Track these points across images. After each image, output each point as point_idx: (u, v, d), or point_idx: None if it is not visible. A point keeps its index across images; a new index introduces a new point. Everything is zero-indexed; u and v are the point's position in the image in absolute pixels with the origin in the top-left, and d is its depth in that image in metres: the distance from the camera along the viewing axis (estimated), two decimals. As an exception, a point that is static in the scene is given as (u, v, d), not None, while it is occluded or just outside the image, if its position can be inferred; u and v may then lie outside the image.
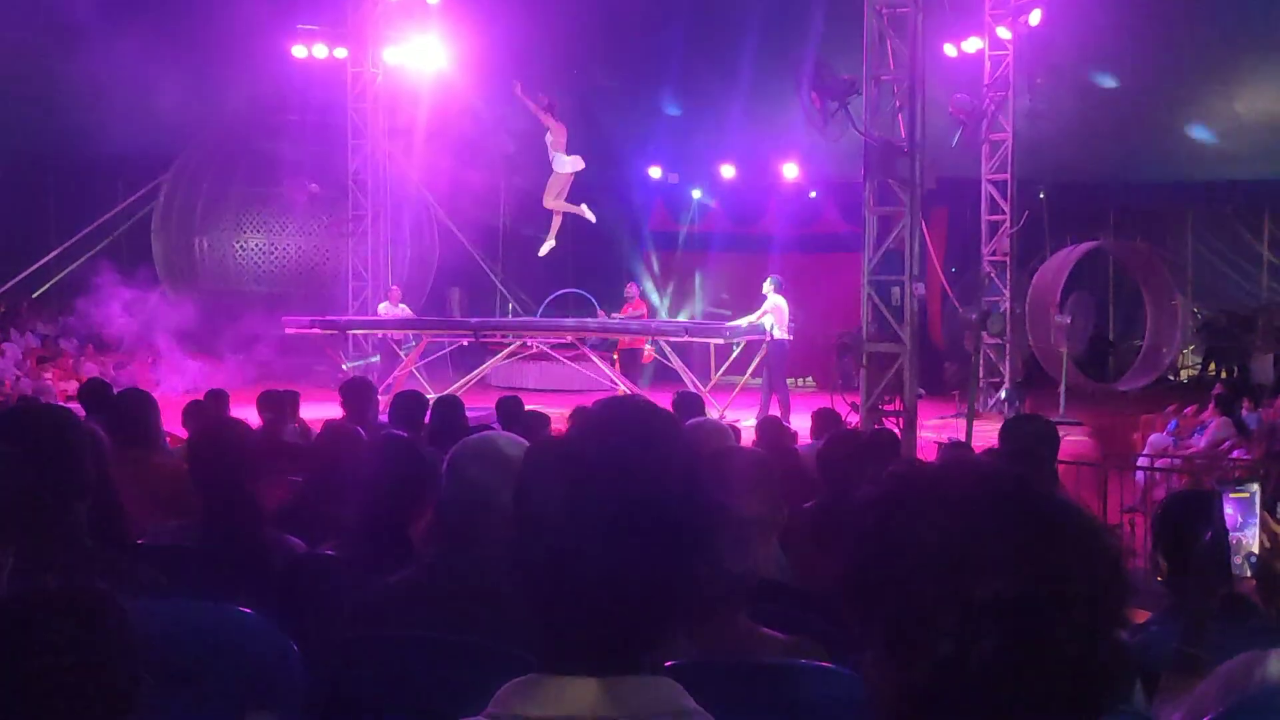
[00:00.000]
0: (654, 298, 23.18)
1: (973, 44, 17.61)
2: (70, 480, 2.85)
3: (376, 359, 18.92)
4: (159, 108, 21.70)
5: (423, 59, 20.04)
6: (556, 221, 17.44)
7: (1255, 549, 2.45)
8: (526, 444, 2.63)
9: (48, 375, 17.79)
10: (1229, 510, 2.46)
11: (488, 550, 2.76)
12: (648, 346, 17.59)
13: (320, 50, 20.42)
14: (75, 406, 7.15)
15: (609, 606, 1.54)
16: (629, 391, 15.42)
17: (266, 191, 23.01)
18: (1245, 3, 19.39)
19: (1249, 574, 2.46)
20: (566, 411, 9.50)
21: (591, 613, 1.54)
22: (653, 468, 1.57)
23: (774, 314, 15.31)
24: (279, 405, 8.36)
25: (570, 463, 1.58)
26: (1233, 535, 2.46)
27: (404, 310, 18.66)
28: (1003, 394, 17.19)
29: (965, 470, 1.33)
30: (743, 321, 15.96)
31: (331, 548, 3.75)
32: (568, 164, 16.69)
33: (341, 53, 20.30)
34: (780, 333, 15.31)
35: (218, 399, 8.62)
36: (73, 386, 16.52)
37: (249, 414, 8.54)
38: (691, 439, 4.03)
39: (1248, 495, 2.47)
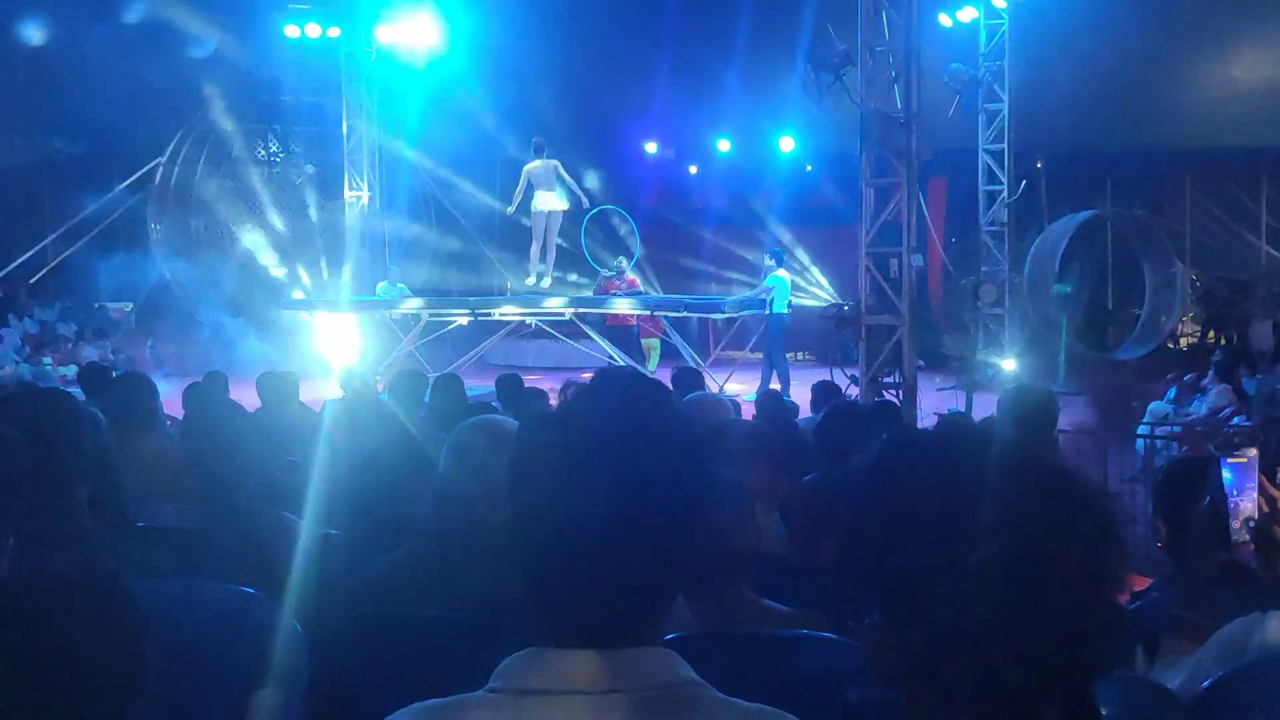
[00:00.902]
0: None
1: (968, 13, 17.55)
2: (71, 463, 2.85)
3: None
4: (152, 89, 21.63)
5: (416, 37, 19.95)
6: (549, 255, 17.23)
7: (1254, 514, 2.45)
8: None
9: (46, 360, 17.77)
10: (1227, 475, 2.46)
11: (486, 527, 2.77)
12: (650, 340, 17.53)
13: (313, 29, 20.35)
14: (74, 391, 7.15)
15: (608, 579, 1.54)
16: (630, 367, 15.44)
17: (262, 171, 22.99)
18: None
19: (1247, 539, 2.46)
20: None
21: (590, 585, 1.54)
22: (648, 439, 1.57)
23: (776, 288, 15.30)
24: (279, 387, 8.35)
25: (565, 435, 1.58)
26: (1231, 500, 2.47)
27: (402, 290, 18.65)
28: (1004, 364, 17.20)
29: (960, 435, 1.33)
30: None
31: (333, 527, 3.76)
32: (548, 201, 16.56)
33: (335, 31, 20.21)
34: (780, 307, 15.30)
35: (216, 381, 8.60)
36: (72, 371, 16.54)
37: (249, 396, 8.56)
38: (691, 412, 4.05)
39: (1245, 460, 2.47)
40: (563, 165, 16.62)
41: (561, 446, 1.57)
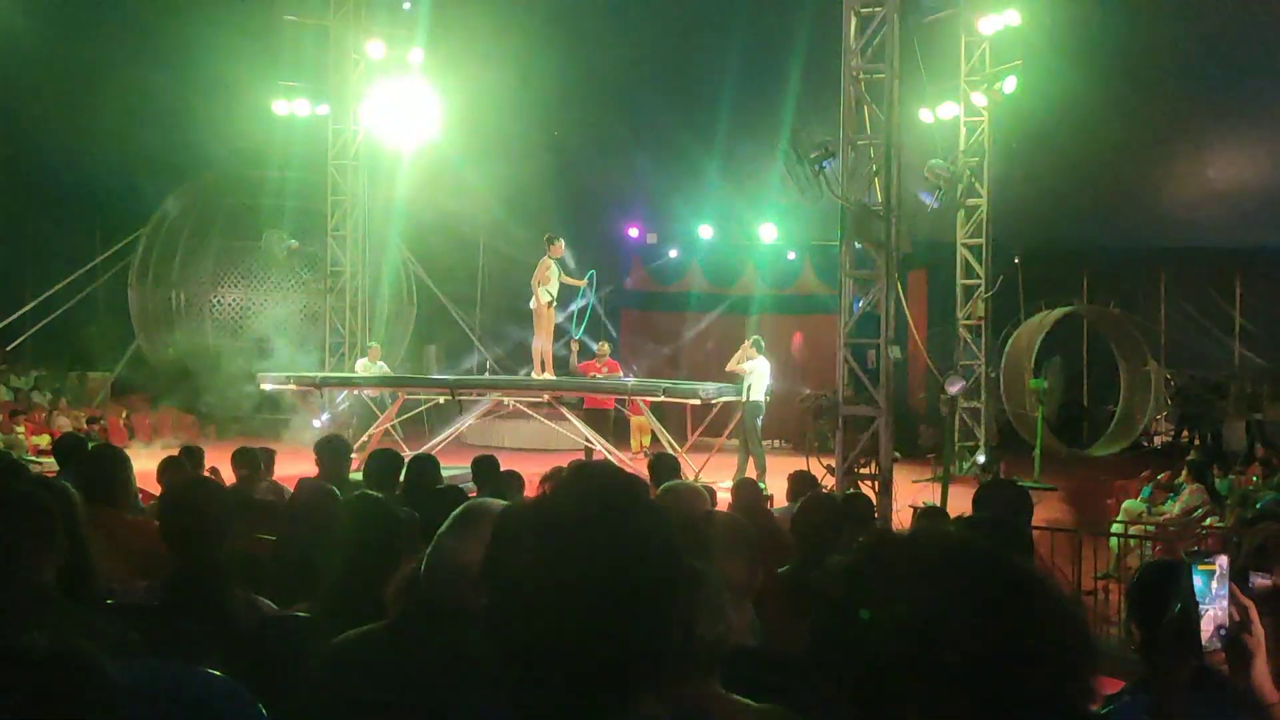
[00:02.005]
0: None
1: (948, 110, 17.82)
2: (39, 542, 2.83)
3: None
4: (139, 160, 21.77)
5: (404, 117, 20.14)
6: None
7: (1225, 622, 2.45)
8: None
9: (20, 429, 17.64)
10: (1198, 582, 2.47)
11: (457, 611, 2.75)
12: (641, 418, 17.49)
13: (302, 107, 20.54)
14: (48, 461, 7.09)
15: (578, 670, 1.54)
16: (605, 452, 15.39)
17: (245, 246, 23.06)
18: (1215, 72, 19.72)
19: (1219, 646, 2.46)
20: (541, 470, 9.48)
21: (562, 675, 1.54)
22: (621, 534, 1.58)
23: (754, 375, 15.31)
24: (253, 462, 8.31)
25: (540, 529, 1.59)
26: (1202, 608, 2.47)
27: (382, 367, 18.62)
28: (979, 458, 17.24)
29: (933, 541, 1.35)
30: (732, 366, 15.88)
31: (303, 608, 3.73)
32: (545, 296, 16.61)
33: (323, 110, 20.40)
34: (758, 394, 15.31)
35: (192, 455, 8.56)
36: (45, 441, 16.42)
37: (224, 468, 8.52)
38: (667, 502, 4.03)
39: (1215, 568, 2.48)
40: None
41: (537, 540, 1.58)
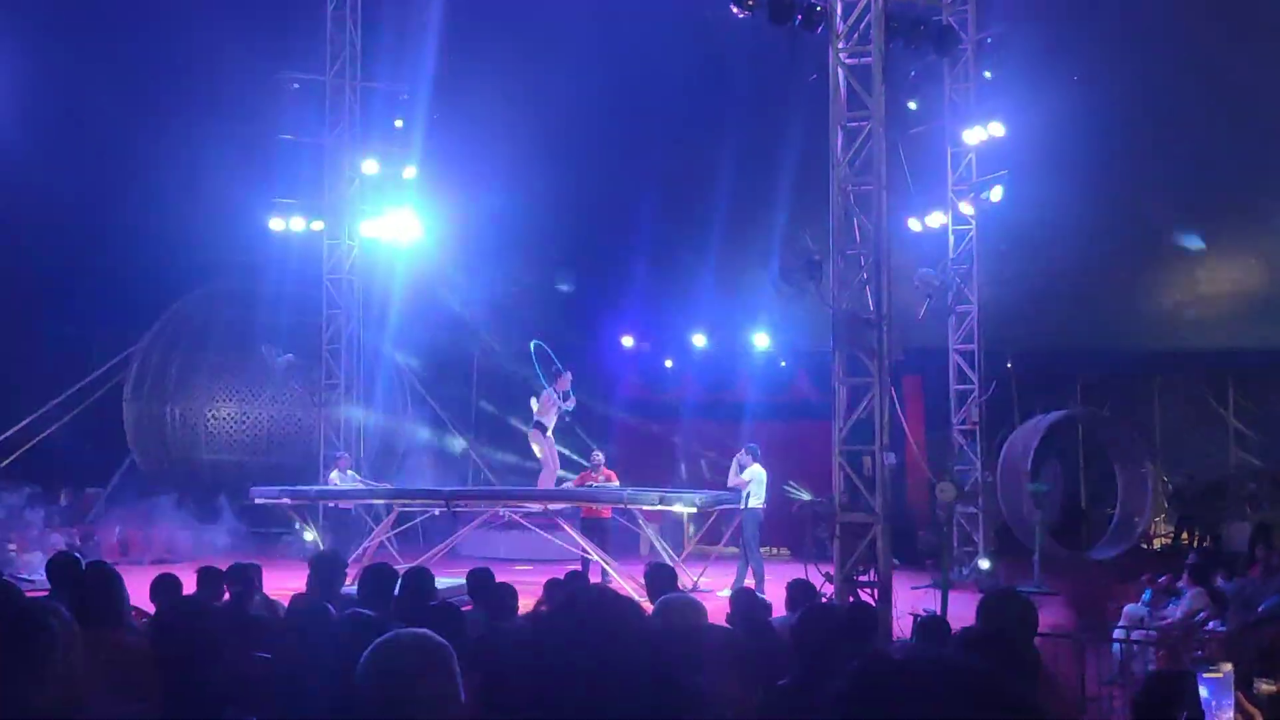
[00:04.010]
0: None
1: (936, 219, 18.02)
2: (28, 673, 2.80)
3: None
4: (134, 275, 21.93)
5: (398, 232, 20.37)
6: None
7: (1231, 730, 2.44)
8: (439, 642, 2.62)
9: (12, 546, 17.48)
10: (1204, 691, 2.46)
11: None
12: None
13: (297, 223, 20.77)
14: (39, 578, 7.02)
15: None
16: (603, 563, 15.28)
17: (240, 361, 23.13)
18: (1204, 177, 20.00)
19: (1226, 757, 2.44)
20: (538, 581, 9.41)
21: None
22: (616, 658, 1.57)
23: (753, 483, 15.29)
24: (247, 578, 8.24)
25: (536, 655, 1.58)
26: (1209, 716, 2.45)
27: (353, 476, 18.52)
28: (981, 563, 17.13)
29: (930, 666, 1.34)
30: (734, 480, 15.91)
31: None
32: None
33: (319, 226, 20.61)
34: (756, 502, 15.27)
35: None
36: (37, 558, 16.26)
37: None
38: (664, 616, 4.02)
39: (1221, 676, 2.47)
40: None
41: (533, 665, 1.57)
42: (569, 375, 16.95)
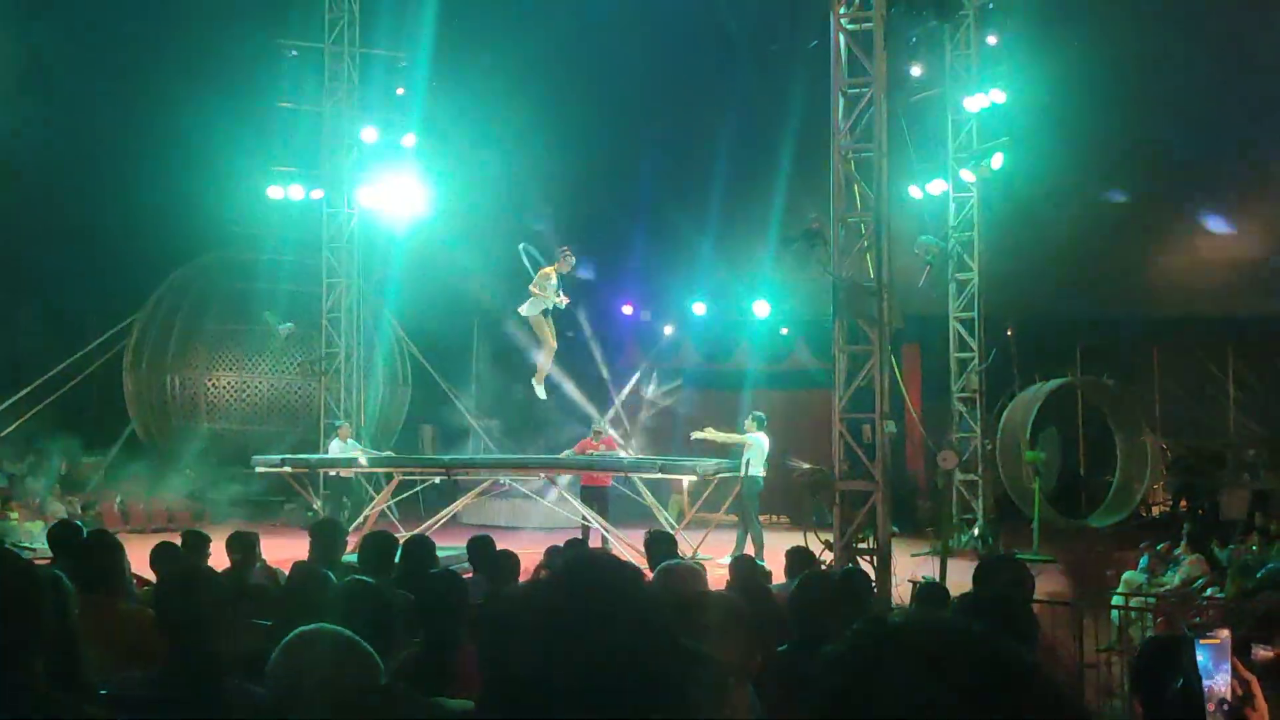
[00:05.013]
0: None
1: (937, 186, 17.98)
2: (26, 633, 2.81)
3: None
4: (133, 244, 21.89)
5: (398, 200, 20.30)
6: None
7: (1228, 696, 2.44)
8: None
9: (14, 516, 17.54)
10: (1201, 657, 2.46)
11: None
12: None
13: (296, 191, 20.70)
14: (40, 547, 7.05)
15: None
16: (602, 531, 15.33)
17: (240, 329, 23.13)
18: (1204, 143, 19.95)
19: (1222, 720, 2.44)
20: (538, 549, 9.45)
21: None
22: (617, 623, 1.58)
23: (753, 448, 15.29)
24: (248, 546, 8.27)
25: (536, 620, 1.58)
26: (1205, 683, 2.46)
27: (354, 445, 18.49)
28: (976, 531, 17.18)
29: (928, 628, 1.34)
30: (718, 436, 15.90)
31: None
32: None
33: (318, 194, 20.55)
34: (756, 469, 15.28)
35: (186, 541, 8.51)
36: (39, 527, 16.31)
37: (216, 552, 8.47)
38: (664, 582, 4.02)
39: (1218, 642, 2.47)
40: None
41: (531, 630, 1.57)
42: (572, 259, 16.36)
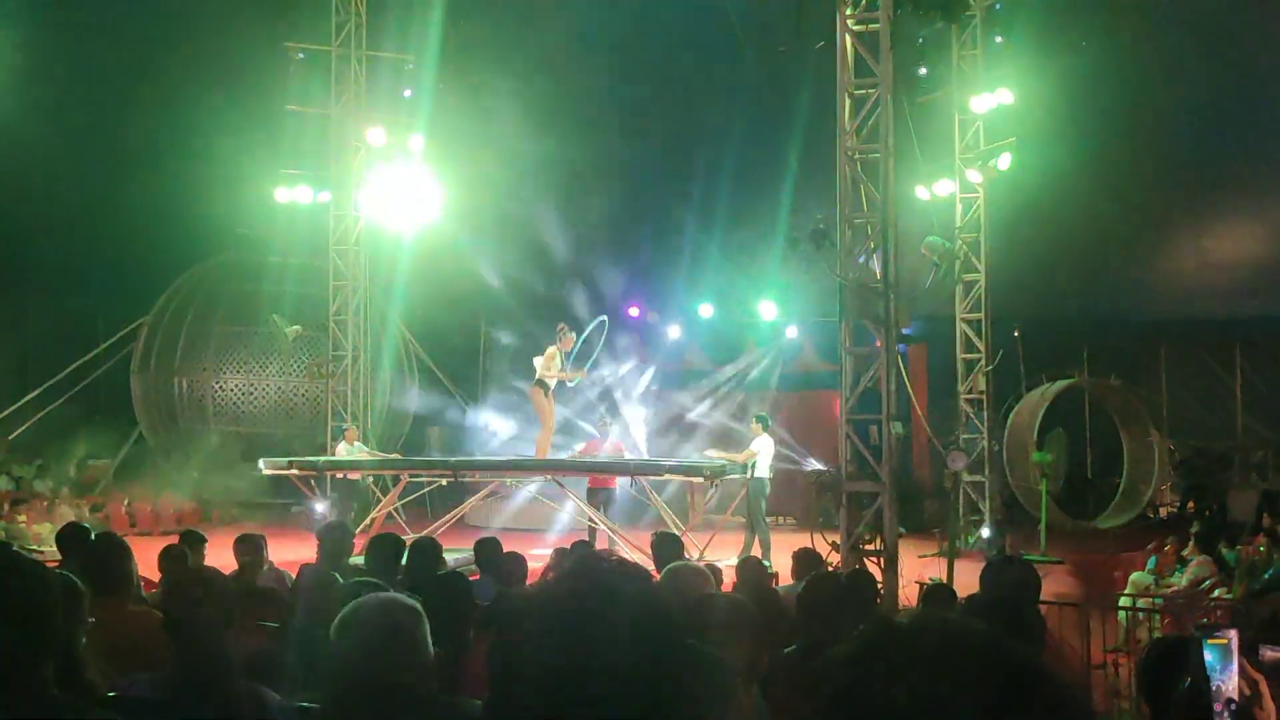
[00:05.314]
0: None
1: (944, 187, 17.96)
2: (37, 636, 2.81)
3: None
4: (141, 247, 21.93)
5: (405, 203, 20.29)
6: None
7: (1235, 696, 2.44)
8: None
9: (22, 519, 17.57)
10: (1208, 658, 2.46)
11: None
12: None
13: (304, 193, 20.70)
14: (49, 550, 7.06)
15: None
16: (609, 532, 15.31)
17: (247, 332, 23.16)
18: (1211, 144, 19.93)
19: (1230, 721, 2.44)
20: (545, 550, 9.45)
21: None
22: (624, 626, 1.58)
23: (760, 452, 15.28)
24: (255, 548, 8.27)
25: (543, 621, 1.58)
26: (1213, 682, 2.46)
27: (361, 449, 18.49)
28: (984, 532, 17.15)
29: (935, 629, 1.34)
30: (725, 458, 15.90)
31: (307, 698, 3.70)
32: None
33: (325, 197, 20.55)
34: (762, 471, 15.27)
35: (191, 542, 8.53)
36: (47, 530, 16.35)
37: (223, 554, 8.48)
38: (671, 584, 4.02)
39: (1225, 642, 2.47)
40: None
41: (538, 631, 1.57)
42: (571, 335, 16.48)
